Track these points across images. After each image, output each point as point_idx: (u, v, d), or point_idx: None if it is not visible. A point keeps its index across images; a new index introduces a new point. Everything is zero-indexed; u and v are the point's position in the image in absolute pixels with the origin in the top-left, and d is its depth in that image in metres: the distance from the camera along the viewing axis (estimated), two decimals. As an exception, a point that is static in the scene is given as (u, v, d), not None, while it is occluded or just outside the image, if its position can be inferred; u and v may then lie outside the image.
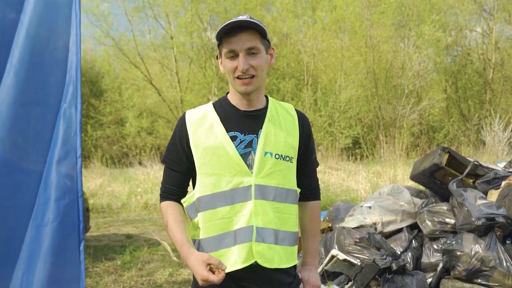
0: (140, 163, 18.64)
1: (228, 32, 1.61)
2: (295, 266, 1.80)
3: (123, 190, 12.04)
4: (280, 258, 1.69)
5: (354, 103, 19.82)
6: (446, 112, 22.00)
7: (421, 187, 5.15)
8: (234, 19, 1.60)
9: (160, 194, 1.78)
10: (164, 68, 25.90)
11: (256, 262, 1.63)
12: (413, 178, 4.85)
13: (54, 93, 2.17)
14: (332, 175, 12.91)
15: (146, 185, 12.86)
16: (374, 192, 4.69)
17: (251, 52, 1.62)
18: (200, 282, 1.58)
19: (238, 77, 1.63)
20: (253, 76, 1.63)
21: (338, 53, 21.75)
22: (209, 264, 1.57)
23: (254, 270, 1.64)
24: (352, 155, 16.56)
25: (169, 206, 1.74)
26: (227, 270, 1.62)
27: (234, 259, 1.63)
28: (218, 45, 1.68)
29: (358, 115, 20.36)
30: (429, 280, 3.62)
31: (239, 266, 1.62)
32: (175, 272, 5.19)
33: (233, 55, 1.62)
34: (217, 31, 1.62)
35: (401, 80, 19.83)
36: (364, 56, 20.51)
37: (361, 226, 3.94)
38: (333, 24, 22.38)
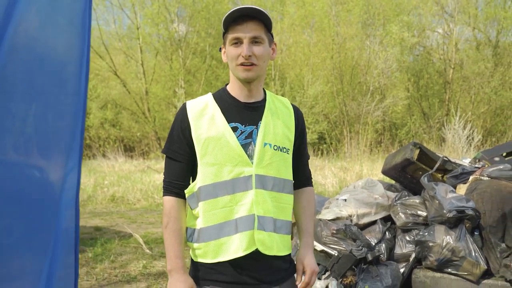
0: (103, 155, 18.33)
1: (235, 20, 1.66)
2: (289, 254, 1.85)
3: (89, 182, 11.81)
4: (278, 246, 1.74)
5: (320, 99, 20.12)
6: (408, 110, 22.67)
7: (392, 181, 5.32)
8: (242, 6, 1.64)
9: (163, 187, 1.78)
10: (129, 59, 25.45)
11: (256, 249, 1.68)
12: (385, 172, 5.01)
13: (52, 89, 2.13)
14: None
15: (112, 177, 12.67)
16: (349, 185, 4.82)
17: (255, 41, 1.67)
18: None
19: (240, 64, 1.67)
20: (254, 64, 1.68)
21: (306, 49, 21.99)
22: None
23: (253, 258, 1.68)
24: (318, 150, 16.83)
25: (172, 206, 1.74)
26: (228, 258, 1.67)
27: (235, 247, 1.66)
28: (223, 34, 1.72)
29: (324, 111, 20.69)
30: (402, 270, 3.77)
31: (240, 253, 1.65)
32: (149, 264, 5.17)
33: (238, 42, 1.67)
34: (224, 17, 1.65)
35: (366, 77, 20.27)
36: (330, 53, 20.83)
37: (337, 218, 4.05)
38: (301, 20, 22.59)
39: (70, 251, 2.19)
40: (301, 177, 1.93)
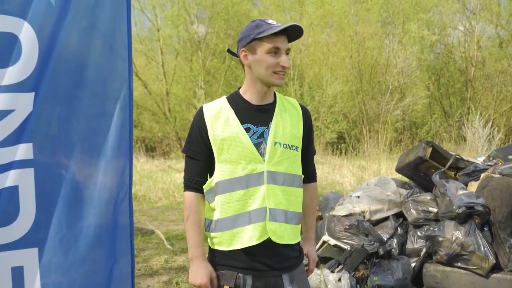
0: (126, 155, 18.64)
1: (275, 32, 1.83)
2: (299, 242, 2.03)
3: (112, 182, 12.08)
4: (289, 235, 1.91)
5: (339, 99, 20.14)
6: (429, 109, 22.48)
7: (406, 179, 5.43)
8: (290, 24, 1.82)
9: (184, 183, 1.97)
10: (150, 60, 25.86)
11: (267, 238, 1.85)
12: (398, 170, 5.12)
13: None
14: (317, 168, 13.12)
15: (134, 176, 12.84)
16: (363, 183, 4.95)
17: (287, 52, 1.89)
18: (194, 283, 1.88)
19: (275, 72, 1.86)
20: (285, 72, 1.90)
21: (325, 48, 22.03)
22: (211, 280, 1.89)
23: (264, 246, 1.86)
24: (337, 149, 16.89)
25: (192, 201, 1.94)
26: (242, 246, 1.85)
27: (248, 236, 1.84)
28: (253, 39, 1.85)
29: (343, 110, 20.71)
30: (413, 264, 3.90)
31: (254, 242, 1.83)
32: (170, 259, 5.39)
33: (276, 51, 1.85)
34: (266, 30, 1.81)
35: (386, 76, 20.20)
36: (350, 52, 20.82)
37: (350, 214, 4.20)
38: (320, 19, 22.63)
39: (126, 244, 2.38)
40: (305, 173, 2.09)
